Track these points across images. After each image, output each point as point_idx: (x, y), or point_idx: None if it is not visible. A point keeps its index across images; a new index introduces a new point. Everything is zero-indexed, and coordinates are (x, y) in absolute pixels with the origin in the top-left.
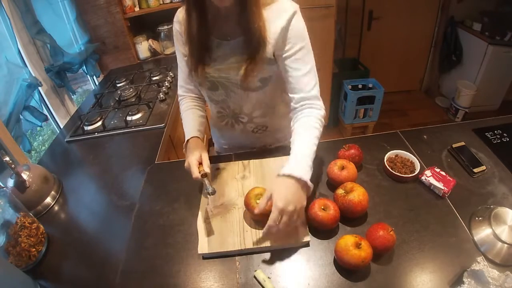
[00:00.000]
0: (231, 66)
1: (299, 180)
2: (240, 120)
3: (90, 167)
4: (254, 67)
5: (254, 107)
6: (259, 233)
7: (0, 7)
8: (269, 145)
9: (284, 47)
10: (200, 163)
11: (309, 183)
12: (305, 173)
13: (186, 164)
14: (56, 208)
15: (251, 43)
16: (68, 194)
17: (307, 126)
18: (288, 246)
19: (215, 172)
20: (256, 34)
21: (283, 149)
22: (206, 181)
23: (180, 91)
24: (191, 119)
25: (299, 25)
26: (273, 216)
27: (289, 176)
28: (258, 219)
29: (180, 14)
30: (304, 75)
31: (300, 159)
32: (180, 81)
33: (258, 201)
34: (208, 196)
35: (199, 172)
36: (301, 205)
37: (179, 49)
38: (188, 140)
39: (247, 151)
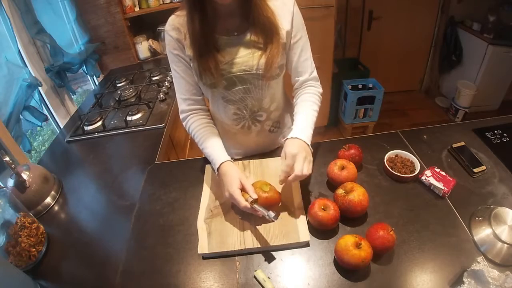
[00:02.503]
0: (247, 58)
1: (304, 142)
2: (258, 119)
3: (90, 167)
4: (275, 54)
5: (272, 99)
6: (259, 233)
7: (0, 7)
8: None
9: (292, 33)
10: (242, 189)
11: (310, 147)
12: (308, 138)
13: (226, 194)
14: (56, 208)
15: (264, 33)
16: (68, 194)
17: (308, 100)
18: (288, 246)
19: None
20: (267, 24)
21: (282, 150)
22: (260, 208)
23: (184, 106)
24: (212, 139)
25: (300, 13)
26: (287, 162)
27: (296, 138)
28: (266, 203)
29: (175, 20)
30: (306, 60)
31: (304, 127)
32: (183, 94)
33: (265, 189)
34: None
35: (246, 200)
36: (309, 154)
37: (179, 57)
38: (220, 165)
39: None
